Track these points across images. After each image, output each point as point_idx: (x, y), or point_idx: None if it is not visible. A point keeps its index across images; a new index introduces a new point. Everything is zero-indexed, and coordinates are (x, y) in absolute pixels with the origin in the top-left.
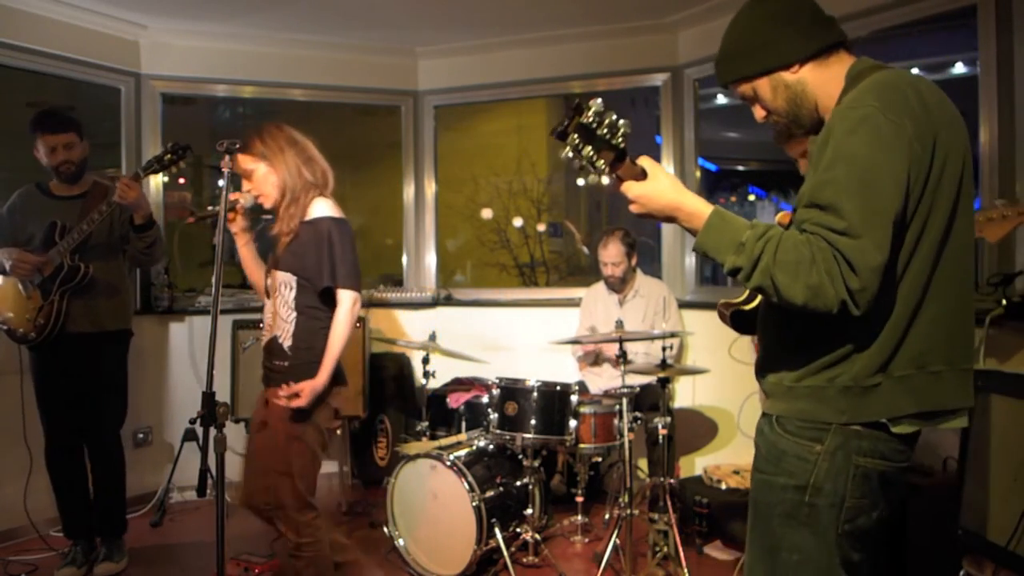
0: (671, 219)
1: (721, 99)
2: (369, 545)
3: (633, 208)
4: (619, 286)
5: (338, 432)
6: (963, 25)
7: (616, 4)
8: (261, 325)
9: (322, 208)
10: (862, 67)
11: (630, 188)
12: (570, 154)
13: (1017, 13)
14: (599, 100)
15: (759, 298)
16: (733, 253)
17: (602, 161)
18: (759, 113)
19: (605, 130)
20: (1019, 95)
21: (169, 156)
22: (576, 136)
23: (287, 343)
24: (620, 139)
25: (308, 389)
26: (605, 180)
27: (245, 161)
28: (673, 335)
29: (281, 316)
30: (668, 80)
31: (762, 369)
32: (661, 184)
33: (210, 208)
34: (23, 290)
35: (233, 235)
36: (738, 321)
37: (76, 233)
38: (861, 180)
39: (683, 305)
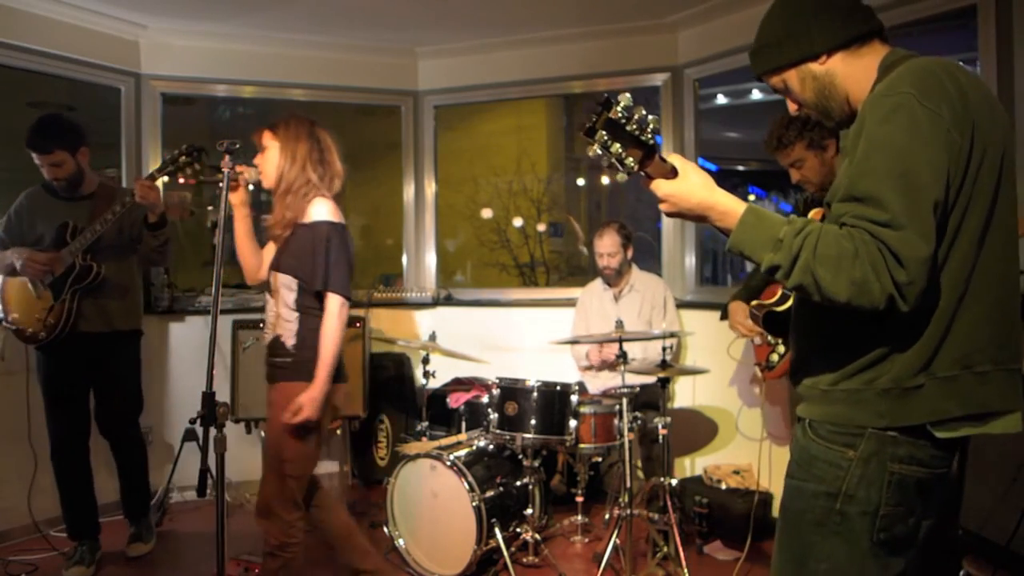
0: (702, 218)
1: (721, 99)
2: None
3: (663, 207)
4: (614, 279)
5: (338, 432)
6: (963, 25)
7: (616, 4)
8: (262, 326)
9: (322, 211)
10: (896, 57)
11: (659, 186)
12: (598, 151)
13: (1017, 13)
14: (628, 95)
15: (791, 299)
16: (771, 251)
17: (631, 159)
18: (792, 106)
19: (634, 126)
20: (1019, 95)
21: (184, 158)
22: (604, 133)
23: (290, 342)
24: (650, 135)
25: (308, 401)
26: (623, 177)
27: (266, 137)
28: (673, 335)
29: (284, 316)
30: (668, 80)
31: (796, 372)
32: (692, 182)
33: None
34: (33, 290)
35: (232, 207)
36: (771, 323)
37: (89, 233)
38: (900, 169)
39: (683, 305)
